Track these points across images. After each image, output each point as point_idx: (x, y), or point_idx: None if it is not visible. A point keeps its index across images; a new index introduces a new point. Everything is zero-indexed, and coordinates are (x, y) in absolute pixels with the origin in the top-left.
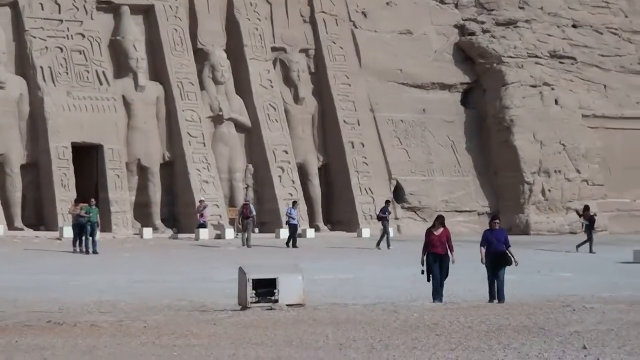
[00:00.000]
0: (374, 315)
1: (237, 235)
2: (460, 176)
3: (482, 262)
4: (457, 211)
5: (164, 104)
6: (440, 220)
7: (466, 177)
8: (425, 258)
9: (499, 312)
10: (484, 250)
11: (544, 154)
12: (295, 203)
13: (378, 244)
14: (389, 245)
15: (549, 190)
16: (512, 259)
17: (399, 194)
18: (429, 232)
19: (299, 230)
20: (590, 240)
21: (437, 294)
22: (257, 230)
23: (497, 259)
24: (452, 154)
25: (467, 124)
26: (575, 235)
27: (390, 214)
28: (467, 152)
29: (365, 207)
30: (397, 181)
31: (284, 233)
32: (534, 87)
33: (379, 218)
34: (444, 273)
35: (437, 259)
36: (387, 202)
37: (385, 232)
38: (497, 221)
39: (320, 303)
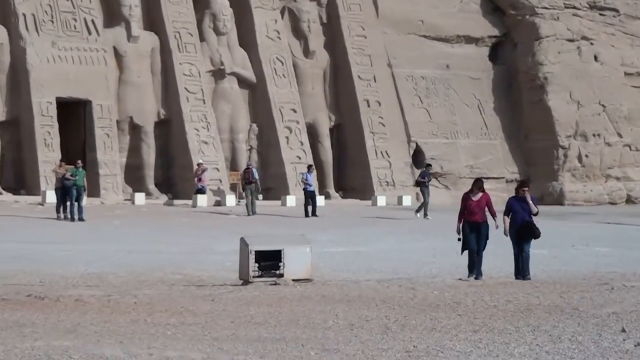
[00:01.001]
0: (389, 292)
1: (239, 202)
2: (487, 139)
3: (504, 233)
4: (483, 177)
5: (159, 56)
6: (478, 185)
7: (493, 140)
8: (460, 226)
9: (527, 290)
10: (507, 219)
11: (581, 115)
12: (310, 167)
13: (425, 215)
14: (425, 214)
15: (586, 156)
16: (538, 230)
17: (418, 157)
18: (467, 197)
19: None
20: None
21: (473, 268)
22: (260, 196)
23: (522, 230)
24: (478, 114)
25: (495, 81)
26: (615, 206)
27: (430, 180)
28: (494, 112)
29: (381, 172)
30: (417, 144)
31: (291, 200)
32: (571, 41)
33: (418, 183)
34: (482, 242)
35: (474, 229)
36: (428, 165)
37: (424, 198)
38: (526, 188)
39: (329, 278)
